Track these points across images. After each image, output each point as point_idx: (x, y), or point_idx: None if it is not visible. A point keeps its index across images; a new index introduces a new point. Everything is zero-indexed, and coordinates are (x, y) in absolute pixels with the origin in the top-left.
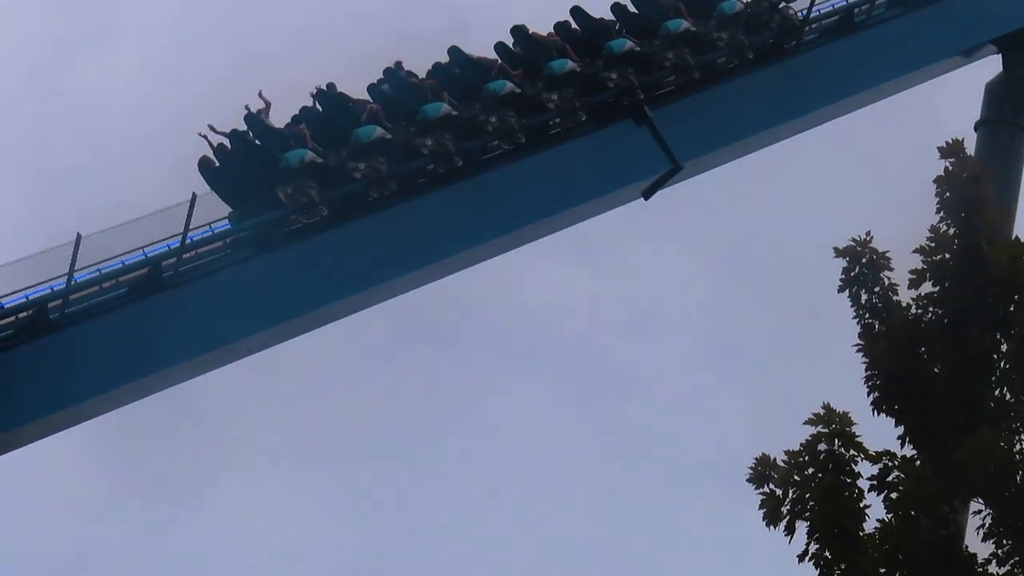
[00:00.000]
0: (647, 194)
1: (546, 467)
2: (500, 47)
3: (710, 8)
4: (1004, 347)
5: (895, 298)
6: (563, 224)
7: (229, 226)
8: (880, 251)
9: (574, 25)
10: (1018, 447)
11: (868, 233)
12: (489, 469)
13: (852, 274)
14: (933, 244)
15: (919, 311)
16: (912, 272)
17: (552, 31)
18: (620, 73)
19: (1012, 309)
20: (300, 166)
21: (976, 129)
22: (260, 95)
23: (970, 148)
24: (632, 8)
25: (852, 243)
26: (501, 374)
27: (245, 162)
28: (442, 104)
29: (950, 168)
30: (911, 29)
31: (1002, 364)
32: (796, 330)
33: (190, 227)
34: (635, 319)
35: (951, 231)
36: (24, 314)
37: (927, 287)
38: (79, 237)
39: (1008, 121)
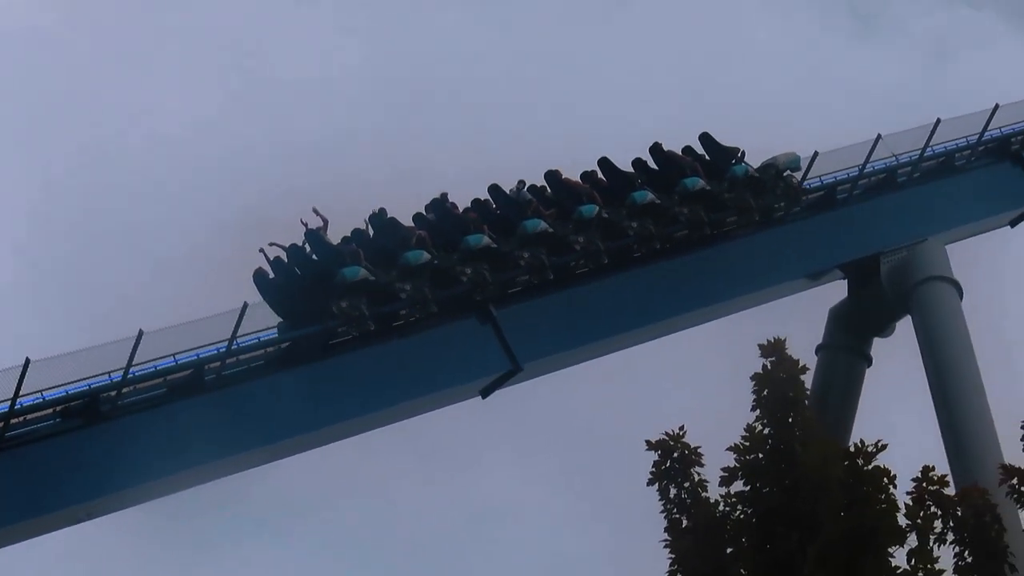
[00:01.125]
0: (485, 392)
1: None
2: (533, 189)
3: (723, 171)
4: (810, 549)
5: (704, 494)
6: (400, 416)
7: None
8: (692, 446)
9: (600, 175)
10: None
11: (682, 428)
12: None
13: (662, 468)
14: (747, 443)
15: (728, 509)
16: (724, 470)
17: (579, 180)
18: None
19: (820, 511)
20: (355, 282)
21: (817, 352)
22: (317, 212)
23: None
24: (652, 164)
25: (664, 437)
26: (328, 570)
27: (302, 275)
28: (483, 236)
29: (769, 367)
30: (760, 248)
31: (807, 567)
32: (619, 525)
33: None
34: (468, 519)
35: (766, 431)
36: None
37: (738, 485)
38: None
39: (849, 347)
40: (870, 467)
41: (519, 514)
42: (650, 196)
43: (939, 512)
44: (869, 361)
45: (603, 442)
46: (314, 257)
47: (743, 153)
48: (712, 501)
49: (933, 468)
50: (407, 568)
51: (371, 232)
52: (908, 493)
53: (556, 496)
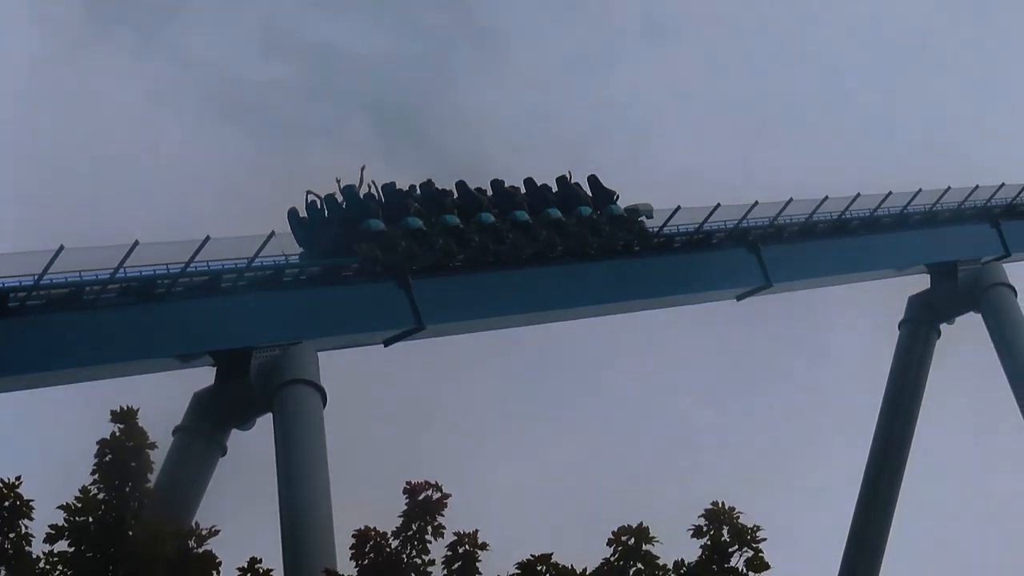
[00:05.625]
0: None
1: None
2: (485, 191)
3: (605, 204)
4: None
5: (27, 548)
6: None
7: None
8: (25, 498)
9: (523, 190)
10: None
11: (18, 477)
12: None
13: None
14: (79, 504)
15: (48, 567)
16: (52, 527)
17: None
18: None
19: None
20: (377, 231)
21: (173, 434)
22: (361, 171)
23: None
24: (555, 188)
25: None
26: None
27: (333, 219)
28: (455, 216)
29: (118, 434)
30: (141, 321)
31: None
32: None
33: None
34: None
35: (101, 495)
36: None
37: (63, 545)
38: None
39: (205, 433)
40: (200, 550)
41: None
42: (558, 213)
43: None
44: (224, 450)
45: None
46: (344, 206)
47: (618, 196)
48: (35, 557)
49: (260, 560)
50: None
51: (381, 196)
52: None
53: None
